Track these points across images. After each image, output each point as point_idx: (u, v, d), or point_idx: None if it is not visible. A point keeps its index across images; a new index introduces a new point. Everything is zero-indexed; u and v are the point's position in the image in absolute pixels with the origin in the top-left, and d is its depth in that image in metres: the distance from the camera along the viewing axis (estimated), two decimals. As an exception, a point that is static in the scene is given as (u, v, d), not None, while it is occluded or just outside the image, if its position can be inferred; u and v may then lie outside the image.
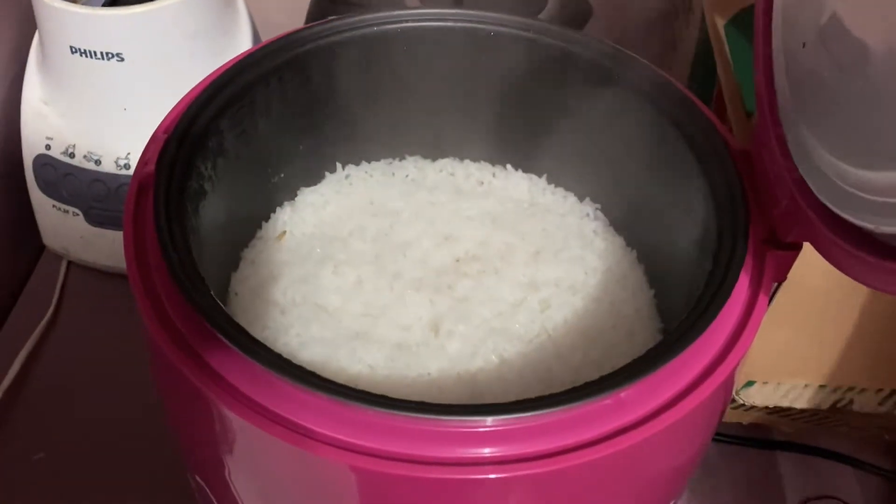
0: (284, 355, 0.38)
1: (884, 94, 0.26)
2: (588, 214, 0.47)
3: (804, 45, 0.31)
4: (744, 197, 0.34)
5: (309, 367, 0.37)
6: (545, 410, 0.26)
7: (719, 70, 0.47)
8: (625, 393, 0.27)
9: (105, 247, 0.55)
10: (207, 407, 0.29)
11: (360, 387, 0.29)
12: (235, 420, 0.29)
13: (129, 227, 0.33)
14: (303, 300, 0.41)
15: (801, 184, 0.32)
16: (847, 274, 0.29)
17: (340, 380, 0.37)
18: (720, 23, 0.49)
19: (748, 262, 0.32)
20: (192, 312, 0.29)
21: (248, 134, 0.39)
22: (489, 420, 0.27)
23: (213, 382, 0.29)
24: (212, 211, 0.37)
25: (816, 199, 0.30)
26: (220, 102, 0.37)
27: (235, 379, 0.29)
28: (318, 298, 0.41)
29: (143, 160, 0.34)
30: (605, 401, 0.27)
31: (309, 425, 0.28)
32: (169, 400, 0.34)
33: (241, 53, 0.39)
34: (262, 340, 0.38)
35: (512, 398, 0.28)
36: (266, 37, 0.60)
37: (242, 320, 0.40)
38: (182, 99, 0.37)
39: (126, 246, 0.32)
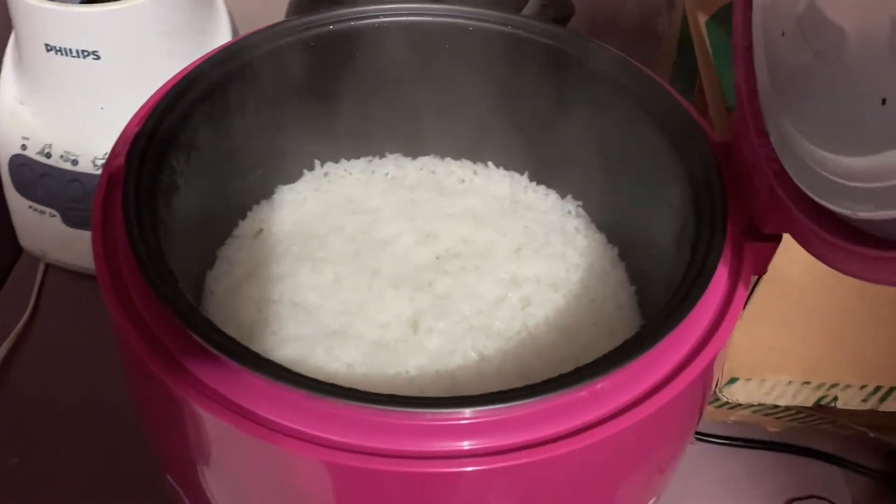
0: (260, 353, 0.38)
1: (860, 79, 0.25)
2: (570, 212, 0.46)
3: (783, 34, 0.31)
4: (722, 188, 0.34)
5: (285, 365, 0.37)
6: (520, 402, 0.26)
7: (700, 65, 0.47)
8: (601, 384, 0.27)
9: (83, 248, 0.54)
10: (178, 404, 0.29)
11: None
12: (206, 417, 0.28)
13: (97, 220, 0.32)
14: (280, 298, 0.40)
15: (781, 173, 0.32)
16: (826, 263, 0.29)
17: (317, 378, 0.37)
18: (702, 18, 0.49)
19: (726, 253, 0.32)
20: (161, 308, 0.29)
21: (222, 129, 0.39)
22: (466, 412, 0.26)
23: (182, 379, 0.28)
24: (185, 207, 0.37)
25: (796, 187, 0.30)
26: (194, 96, 0.36)
27: (205, 375, 0.28)
28: (296, 296, 0.40)
29: (113, 153, 0.33)
30: (581, 392, 0.27)
31: (281, 420, 0.27)
32: (139, 397, 0.33)
33: (217, 48, 0.38)
34: (236, 338, 0.39)
35: (490, 394, 0.28)
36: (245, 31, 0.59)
37: (217, 319, 0.39)
38: (155, 92, 0.37)
39: (94, 240, 0.32)
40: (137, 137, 0.33)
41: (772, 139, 0.32)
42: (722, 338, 0.30)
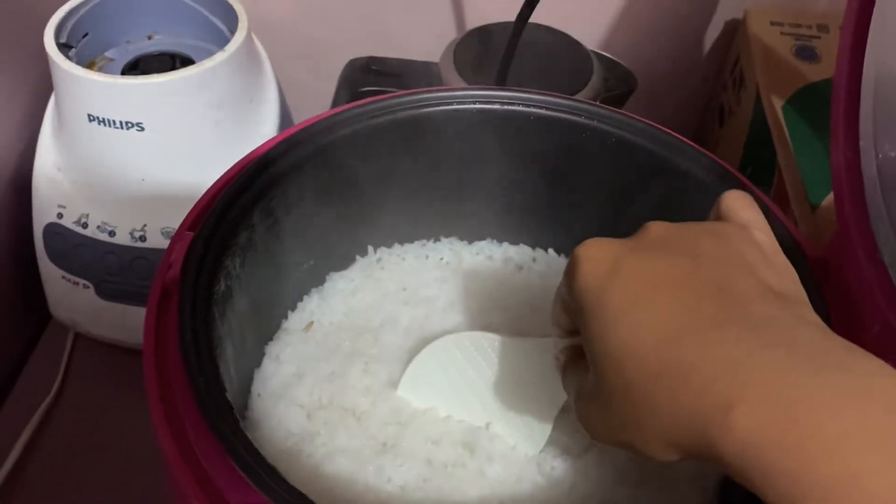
0: (308, 470, 0.35)
1: None
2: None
3: (904, 156, 0.28)
4: (827, 317, 0.31)
5: (334, 483, 0.34)
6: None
7: (780, 158, 0.44)
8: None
9: (116, 321, 0.52)
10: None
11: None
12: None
13: (150, 335, 0.30)
14: (329, 402, 0.38)
15: (893, 296, 0.29)
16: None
17: (367, 501, 0.34)
18: (778, 103, 0.46)
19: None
20: (214, 441, 0.26)
21: (278, 225, 0.36)
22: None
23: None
24: (238, 310, 0.34)
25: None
26: (251, 195, 0.34)
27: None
28: (345, 401, 0.38)
29: (166, 261, 0.31)
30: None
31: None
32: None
33: (270, 140, 0.36)
34: (285, 452, 0.36)
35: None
36: (295, 101, 0.57)
37: (265, 427, 0.37)
38: (208, 189, 0.34)
39: (146, 358, 0.29)
40: (193, 244, 0.31)
41: (887, 264, 0.30)
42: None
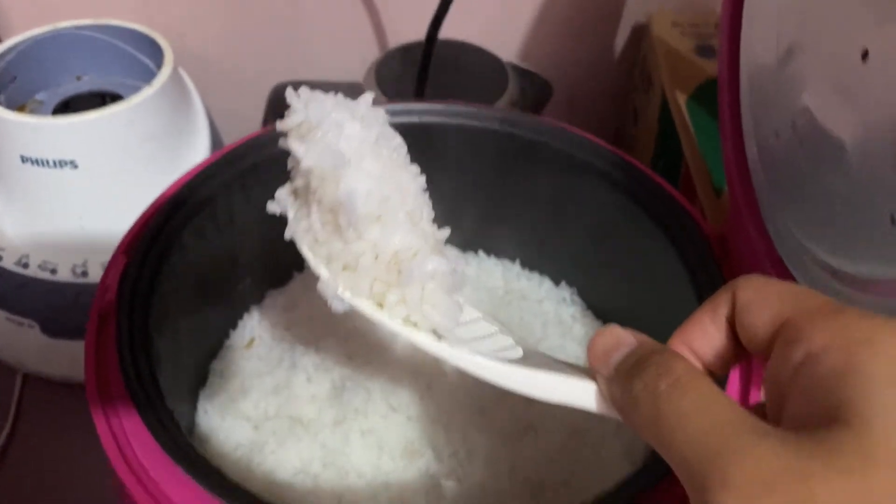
0: (260, 476, 0.36)
1: (864, 192, 0.25)
2: (565, 299, 0.46)
3: (777, 134, 0.31)
4: (724, 282, 0.33)
5: (288, 489, 0.36)
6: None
7: (685, 148, 0.47)
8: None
9: (64, 358, 0.53)
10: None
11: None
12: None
13: (91, 359, 0.31)
14: (276, 413, 0.39)
15: (780, 266, 0.31)
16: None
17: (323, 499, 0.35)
18: (682, 98, 0.49)
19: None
20: (163, 456, 0.27)
21: (210, 245, 0.38)
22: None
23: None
24: (177, 328, 0.36)
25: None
26: (182, 217, 0.36)
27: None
28: (292, 410, 0.39)
29: (103, 285, 0.32)
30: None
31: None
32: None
33: (200, 164, 0.38)
34: (234, 462, 0.37)
35: None
36: (226, 129, 0.59)
37: (214, 442, 0.38)
38: (141, 215, 0.36)
39: (88, 381, 0.31)
40: (128, 267, 0.32)
41: (772, 237, 0.32)
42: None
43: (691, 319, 0.23)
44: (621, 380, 0.22)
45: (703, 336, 0.22)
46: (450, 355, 0.25)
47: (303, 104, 0.26)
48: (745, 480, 0.17)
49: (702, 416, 0.19)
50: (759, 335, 0.21)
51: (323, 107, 0.25)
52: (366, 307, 0.25)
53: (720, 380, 0.29)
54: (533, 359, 0.26)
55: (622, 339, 0.23)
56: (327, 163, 0.24)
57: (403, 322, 0.25)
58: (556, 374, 0.24)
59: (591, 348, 0.23)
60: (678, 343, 0.23)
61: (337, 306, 0.26)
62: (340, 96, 0.27)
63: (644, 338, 0.23)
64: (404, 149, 0.28)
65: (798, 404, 0.19)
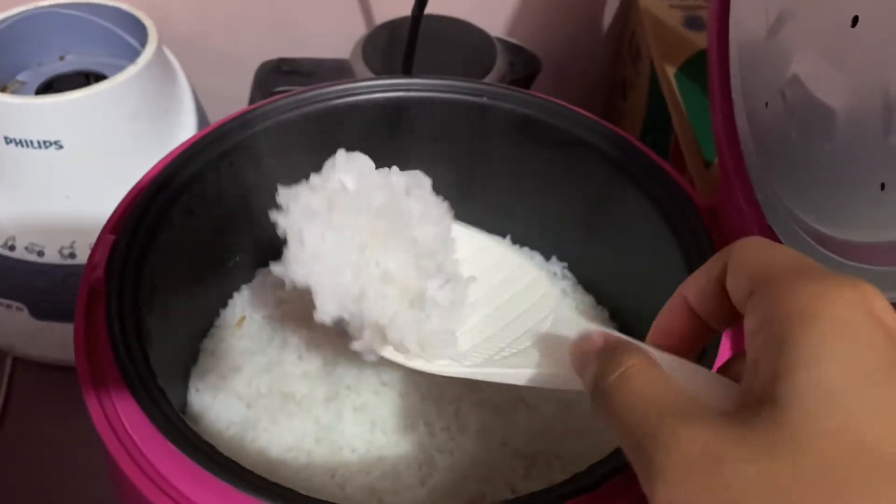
0: (253, 453, 0.36)
1: (853, 160, 0.25)
2: (556, 273, 0.46)
3: (766, 104, 0.31)
4: (713, 253, 0.33)
5: (281, 465, 0.36)
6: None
7: (674, 121, 0.47)
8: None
9: (53, 340, 0.52)
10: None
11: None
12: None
13: (80, 336, 0.31)
14: (268, 390, 0.39)
15: (769, 234, 0.31)
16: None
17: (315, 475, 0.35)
18: (670, 71, 0.49)
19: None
20: (154, 432, 0.27)
21: (199, 223, 0.38)
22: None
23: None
24: (167, 305, 0.35)
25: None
26: (169, 194, 0.35)
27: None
28: (284, 387, 0.39)
29: (91, 264, 0.32)
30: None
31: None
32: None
33: (187, 141, 0.37)
34: (227, 440, 0.37)
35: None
36: (212, 109, 0.58)
37: (206, 420, 0.38)
38: (128, 193, 0.35)
39: (78, 360, 0.30)
40: (116, 244, 0.32)
41: (761, 206, 0.32)
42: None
43: (693, 275, 0.23)
44: (587, 378, 0.23)
45: (701, 294, 0.23)
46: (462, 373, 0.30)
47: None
48: (669, 466, 0.17)
49: (640, 403, 0.20)
50: (737, 299, 0.21)
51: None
52: (392, 356, 0.31)
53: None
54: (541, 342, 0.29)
55: (593, 339, 0.24)
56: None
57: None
58: (548, 368, 0.27)
59: (569, 353, 0.25)
60: (678, 298, 0.24)
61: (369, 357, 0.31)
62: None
63: (611, 335, 0.24)
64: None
65: (748, 377, 0.19)
